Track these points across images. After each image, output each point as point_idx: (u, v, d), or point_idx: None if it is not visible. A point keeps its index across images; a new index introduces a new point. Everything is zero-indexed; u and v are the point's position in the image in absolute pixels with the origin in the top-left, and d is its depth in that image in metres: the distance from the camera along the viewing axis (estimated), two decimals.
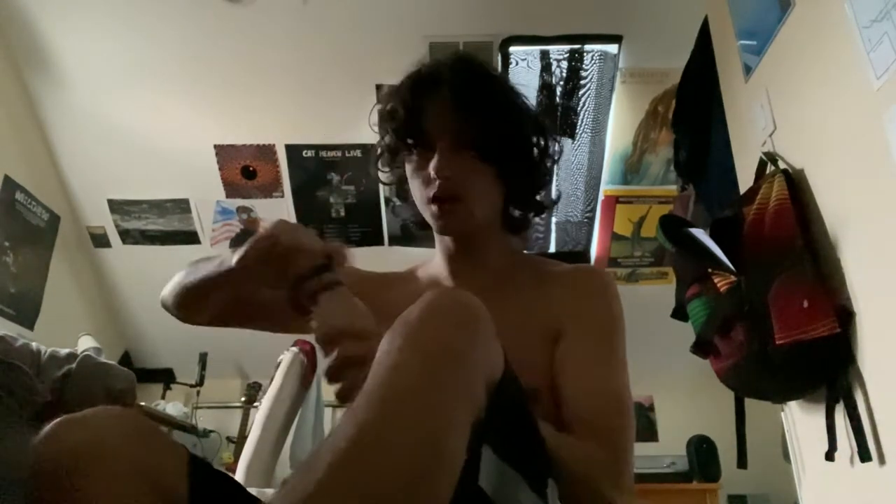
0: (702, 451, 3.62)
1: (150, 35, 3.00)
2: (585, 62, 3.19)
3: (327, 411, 4.00)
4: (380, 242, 3.77)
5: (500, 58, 3.10)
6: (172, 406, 3.75)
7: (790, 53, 1.44)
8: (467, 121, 0.98)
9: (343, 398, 0.73)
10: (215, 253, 1.00)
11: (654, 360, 4.19)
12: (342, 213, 3.66)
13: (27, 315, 3.25)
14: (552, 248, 3.84)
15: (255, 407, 3.55)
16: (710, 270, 1.40)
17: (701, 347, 1.42)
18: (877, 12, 1.12)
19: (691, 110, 2.11)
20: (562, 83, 3.27)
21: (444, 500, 0.56)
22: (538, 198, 1.10)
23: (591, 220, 3.73)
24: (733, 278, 1.35)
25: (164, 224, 3.69)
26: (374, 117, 1.09)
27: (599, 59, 3.18)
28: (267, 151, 3.44)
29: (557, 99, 3.31)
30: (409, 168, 1.05)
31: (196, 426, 3.88)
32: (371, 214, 3.67)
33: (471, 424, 0.61)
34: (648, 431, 4.22)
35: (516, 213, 1.11)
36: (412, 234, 3.73)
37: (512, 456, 0.67)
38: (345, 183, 3.55)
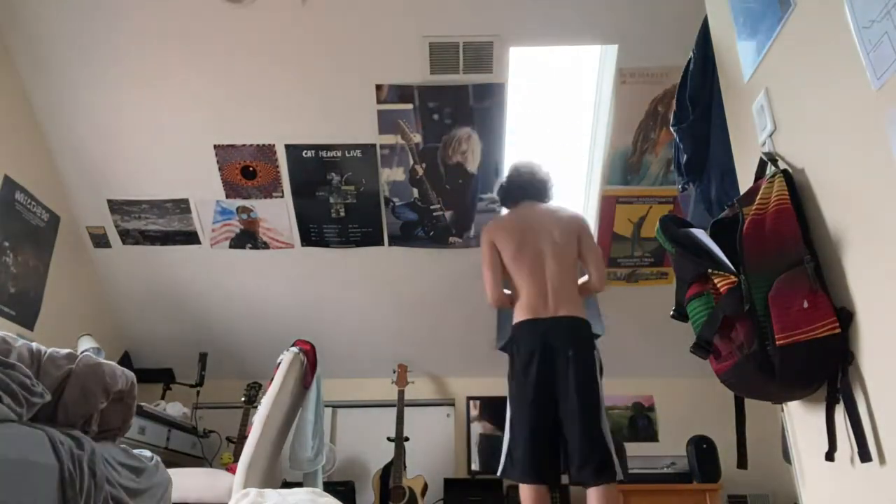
0: (702, 451, 3.62)
1: (149, 36, 3.01)
2: (584, 63, 3.19)
3: (327, 411, 4.01)
4: (380, 242, 3.77)
5: (499, 58, 3.10)
6: (172, 406, 3.74)
7: (790, 53, 1.44)
8: None
9: None
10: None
11: (654, 361, 4.20)
12: (342, 213, 3.66)
13: (27, 315, 3.25)
14: None
15: (255, 407, 3.55)
16: (710, 270, 1.40)
17: (701, 347, 1.42)
18: (877, 12, 1.12)
19: (691, 110, 2.10)
20: (561, 83, 3.27)
21: None
22: None
23: (591, 220, 3.73)
24: (733, 278, 1.35)
25: (164, 224, 3.69)
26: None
27: (599, 59, 3.19)
28: (267, 151, 3.44)
29: (557, 99, 3.31)
30: None
31: (196, 426, 3.88)
32: (371, 214, 3.67)
33: None
34: (648, 431, 4.21)
35: None
36: (412, 234, 3.73)
37: None
38: (345, 183, 3.55)
